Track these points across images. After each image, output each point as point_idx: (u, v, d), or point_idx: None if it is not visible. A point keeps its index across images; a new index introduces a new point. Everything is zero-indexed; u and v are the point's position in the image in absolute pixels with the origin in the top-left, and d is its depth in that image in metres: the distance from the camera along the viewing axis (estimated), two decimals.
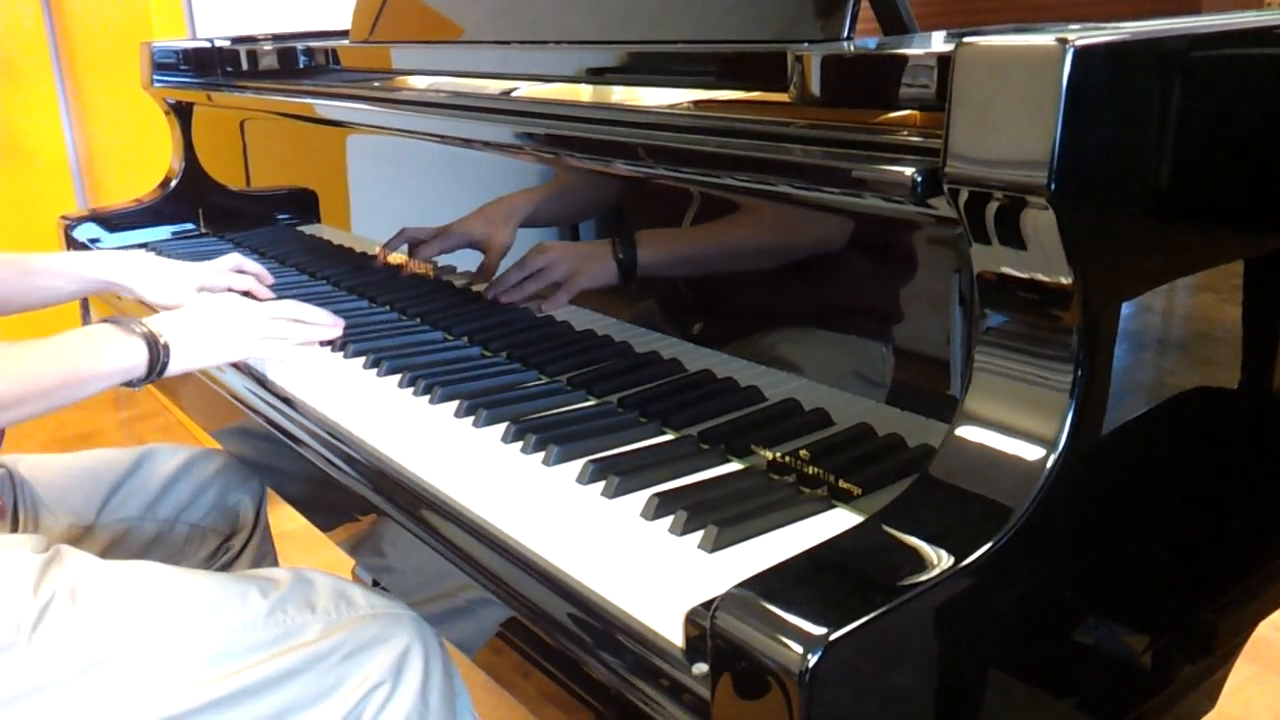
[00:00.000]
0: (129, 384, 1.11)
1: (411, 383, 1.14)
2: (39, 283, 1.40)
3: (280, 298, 1.47)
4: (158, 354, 1.10)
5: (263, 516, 1.46)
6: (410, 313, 1.39)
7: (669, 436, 0.98)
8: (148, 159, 2.49)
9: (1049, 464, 0.67)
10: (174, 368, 1.12)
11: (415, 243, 1.37)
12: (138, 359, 1.09)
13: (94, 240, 1.91)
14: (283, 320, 1.23)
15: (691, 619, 0.70)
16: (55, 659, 0.95)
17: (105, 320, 1.11)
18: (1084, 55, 0.62)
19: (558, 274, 1.13)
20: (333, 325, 1.26)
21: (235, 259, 1.49)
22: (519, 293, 1.19)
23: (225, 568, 1.41)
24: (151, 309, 1.56)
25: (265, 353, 1.22)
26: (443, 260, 1.33)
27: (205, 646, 0.99)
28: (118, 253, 1.55)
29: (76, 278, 1.42)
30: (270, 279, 1.50)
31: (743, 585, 0.64)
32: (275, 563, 1.50)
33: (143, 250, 1.87)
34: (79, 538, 1.30)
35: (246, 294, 1.45)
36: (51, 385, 1.04)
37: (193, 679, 0.97)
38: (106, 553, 1.31)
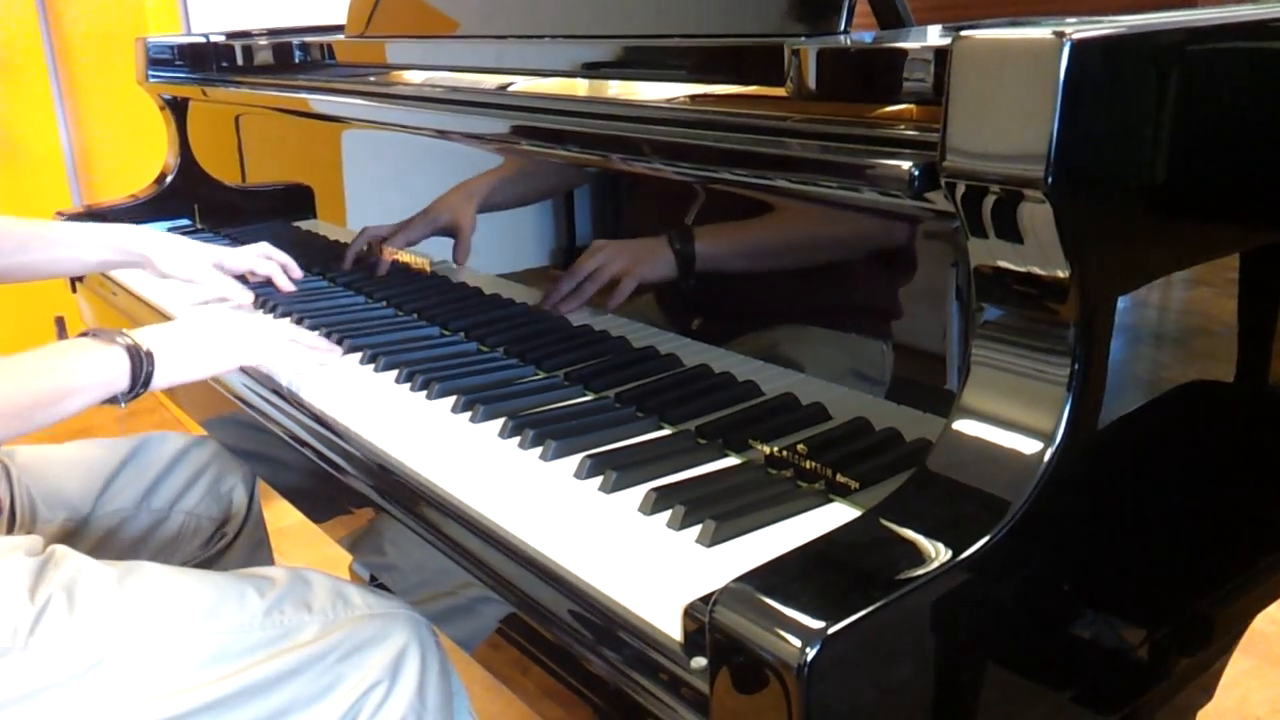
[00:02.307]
0: (114, 400, 1.06)
1: (408, 378, 1.14)
2: (59, 253, 1.41)
3: (275, 293, 1.47)
4: (140, 363, 1.05)
5: (256, 503, 1.46)
6: (407, 308, 1.38)
7: (666, 431, 0.98)
8: (143, 155, 2.49)
9: (1046, 457, 0.67)
10: (160, 379, 1.07)
11: (378, 240, 1.37)
12: (119, 370, 1.04)
13: None
14: (279, 339, 1.19)
15: (690, 613, 0.70)
16: (53, 662, 0.94)
17: (84, 333, 1.07)
18: (1081, 49, 0.62)
19: (613, 272, 1.09)
20: (329, 350, 1.23)
21: (264, 247, 1.49)
22: (578, 298, 1.13)
23: (220, 555, 1.41)
24: (143, 301, 1.57)
25: (263, 360, 1.18)
26: (439, 255, 1.33)
27: (202, 648, 0.99)
28: (138, 227, 1.56)
29: (101, 245, 1.43)
30: (298, 271, 1.50)
31: (741, 579, 0.64)
32: (269, 551, 1.50)
33: None
34: (75, 530, 1.30)
35: (268, 282, 1.46)
36: (27, 403, 0.99)
37: (190, 681, 0.97)
38: (102, 544, 1.31)
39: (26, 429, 1.00)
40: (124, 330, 1.08)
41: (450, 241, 1.29)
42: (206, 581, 1.05)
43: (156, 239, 1.45)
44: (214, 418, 1.40)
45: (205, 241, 1.61)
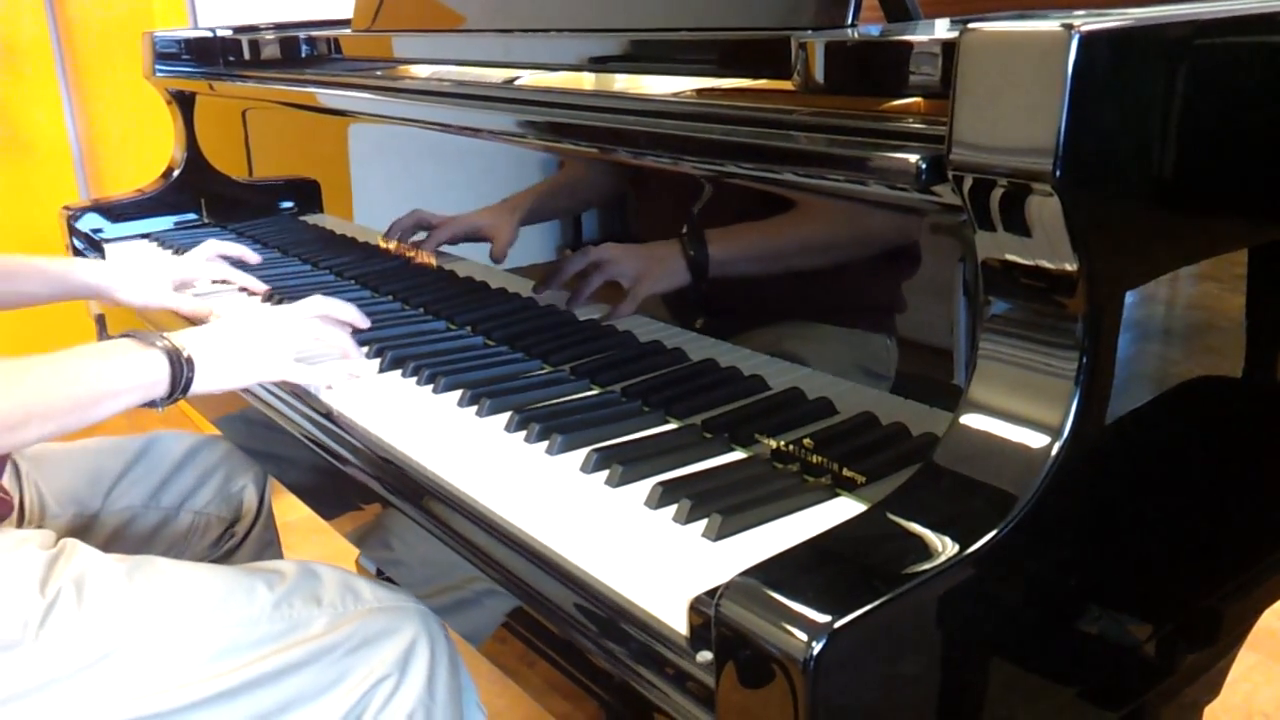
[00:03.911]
0: (151, 404, 1.03)
1: (415, 372, 1.14)
2: (16, 286, 1.37)
3: (283, 288, 1.47)
4: (180, 369, 1.02)
5: (266, 503, 1.46)
6: (413, 302, 1.38)
7: (672, 425, 0.98)
8: (150, 149, 2.49)
9: (1054, 452, 0.66)
10: (199, 385, 1.04)
11: (425, 226, 1.34)
12: (158, 375, 1.01)
13: (97, 231, 1.91)
14: (316, 336, 1.15)
15: (696, 607, 0.70)
16: (62, 655, 0.95)
17: (124, 334, 1.05)
18: (1090, 41, 0.61)
19: (620, 272, 1.07)
20: (360, 319, 1.21)
21: (211, 246, 1.47)
22: (583, 297, 1.12)
23: (229, 555, 1.42)
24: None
25: (299, 378, 1.13)
26: (445, 249, 1.33)
27: (211, 641, 0.99)
28: (92, 260, 1.52)
29: (56, 280, 1.39)
30: (254, 258, 1.48)
31: (747, 573, 0.64)
32: (279, 551, 1.50)
33: (144, 240, 1.88)
34: (84, 527, 1.30)
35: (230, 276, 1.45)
36: (66, 406, 0.97)
37: (199, 673, 0.97)
38: (110, 541, 1.31)
39: (63, 431, 0.98)
40: (164, 333, 1.05)
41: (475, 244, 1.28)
42: (215, 575, 1.05)
43: (112, 270, 1.42)
44: (224, 415, 1.40)
45: (211, 236, 1.61)
